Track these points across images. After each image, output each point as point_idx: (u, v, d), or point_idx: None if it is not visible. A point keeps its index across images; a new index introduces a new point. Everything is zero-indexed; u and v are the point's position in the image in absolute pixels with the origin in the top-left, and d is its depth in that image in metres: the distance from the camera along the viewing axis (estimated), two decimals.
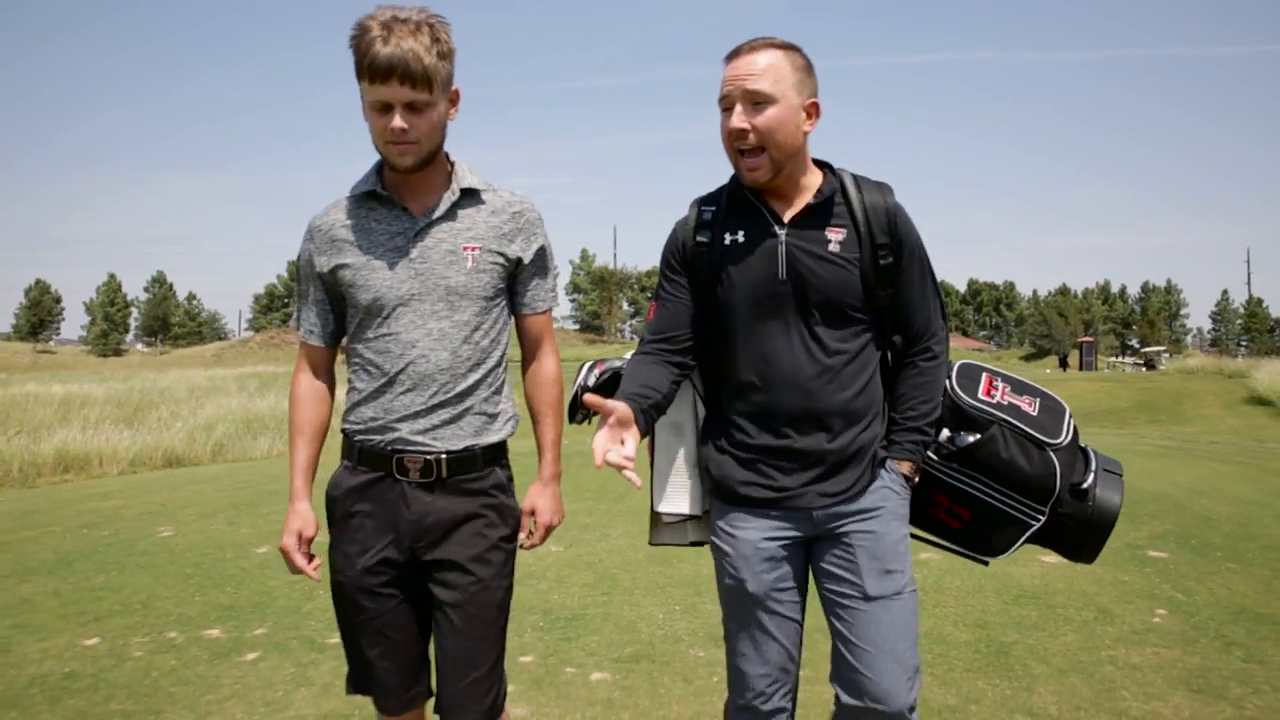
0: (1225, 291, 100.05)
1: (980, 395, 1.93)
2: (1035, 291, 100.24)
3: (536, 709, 3.22)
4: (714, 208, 1.91)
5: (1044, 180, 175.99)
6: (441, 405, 1.82)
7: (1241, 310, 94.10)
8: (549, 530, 1.98)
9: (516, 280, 1.95)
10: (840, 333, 1.84)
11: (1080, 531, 1.91)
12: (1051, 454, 1.87)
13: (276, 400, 18.91)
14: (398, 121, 1.73)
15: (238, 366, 42.00)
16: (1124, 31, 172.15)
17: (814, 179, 1.88)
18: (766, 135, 1.76)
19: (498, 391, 1.91)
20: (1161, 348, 55.76)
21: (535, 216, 1.95)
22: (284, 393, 21.57)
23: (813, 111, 1.83)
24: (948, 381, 1.95)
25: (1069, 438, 1.91)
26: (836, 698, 1.85)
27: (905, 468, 1.90)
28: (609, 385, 2.06)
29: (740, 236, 1.86)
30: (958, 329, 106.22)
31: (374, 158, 1.88)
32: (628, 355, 2.06)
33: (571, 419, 2.09)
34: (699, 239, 1.89)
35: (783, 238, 1.83)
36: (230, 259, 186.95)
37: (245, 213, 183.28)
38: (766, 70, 1.76)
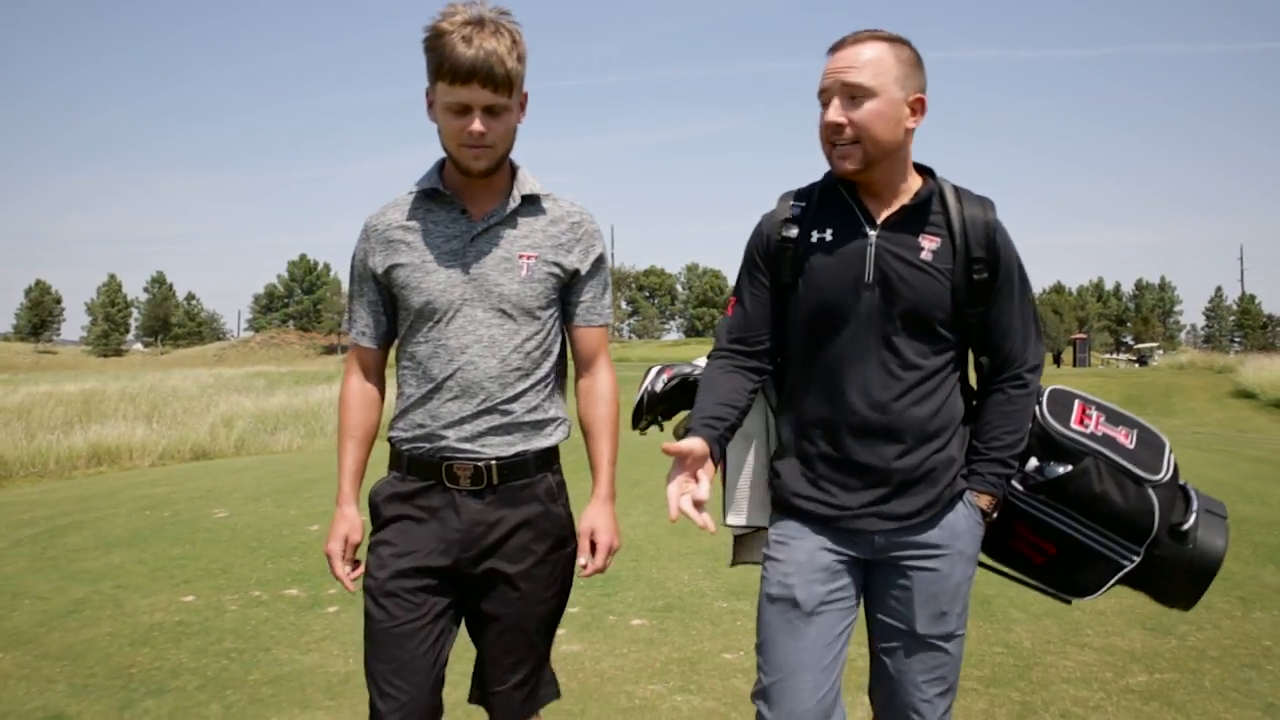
0: (1219, 288, 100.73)
1: (1073, 424, 1.80)
2: None
3: (588, 646, 3.79)
4: (804, 203, 1.81)
5: (1039, 178, 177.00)
6: (488, 412, 1.79)
7: (1234, 307, 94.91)
8: (610, 553, 1.89)
9: (572, 292, 1.90)
10: (921, 346, 1.74)
11: (1179, 576, 1.79)
12: (1150, 490, 1.75)
13: (288, 398, 19.54)
14: (477, 125, 1.70)
15: (240, 366, 42.60)
16: (1120, 29, 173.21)
17: (913, 183, 1.78)
18: (863, 130, 1.68)
19: (548, 399, 1.86)
20: (1154, 344, 56.64)
21: (595, 228, 1.91)
22: (292, 392, 22.30)
23: (917, 108, 1.73)
24: (1037, 408, 1.84)
25: (1169, 474, 1.78)
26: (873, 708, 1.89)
27: (984, 501, 1.78)
28: (676, 392, 2.03)
29: (828, 234, 1.76)
30: None
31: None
32: (699, 361, 2.02)
33: (634, 425, 2.03)
34: (785, 234, 1.78)
35: (873, 239, 1.73)
36: (227, 259, 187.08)
37: (242, 212, 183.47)
38: (868, 63, 1.67)
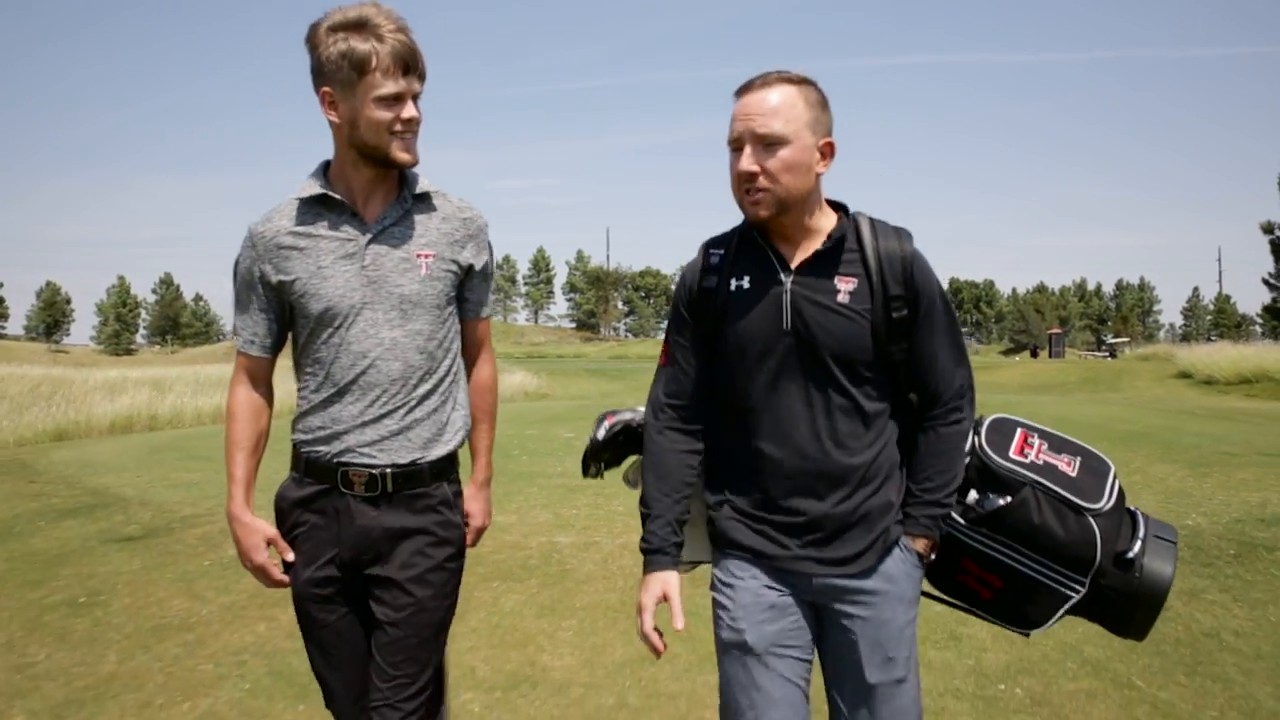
0: (1196, 289, 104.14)
1: (1011, 454, 1.79)
2: (1014, 289, 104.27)
3: None
4: (722, 251, 1.82)
5: (1027, 180, 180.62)
6: (389, 415, 1.80)
7: (1211, 307, 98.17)
8: (480, 533, 2.02)
9: (465, 288, 1.95)
10: (848, 389, 1.72)
11: (1127, 605, 1.76)
12: (1090, 520, 1.73)
13: None
14: (410, 110, 1.75)
15: None
16: (1108, 34, 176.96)
17: (826, 223, 1.76)
18: (776, 178, 1.67)
19: (448, 400, 1.89)
20: (1125, 339, 59.82)
21: (484, 224, 1.95)
22: None
23: (827, 152, 1.72)
24: (976, 438, 1.82)
25: (1111, 501, 1.76)
26: None
27: (920, 545, 1.76)
28: (620, 438, 2.05)
29: (746, 282, 1.76)
30: None
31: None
32: (641, 410, 2.02)
33: (585, 473, 2.10)
34: (704, 285, 1.79)
35: (788, 285, 1.72)
36: (228, 261, 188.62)
37: (241, 215, 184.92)
38: (779, 109, 1.66)
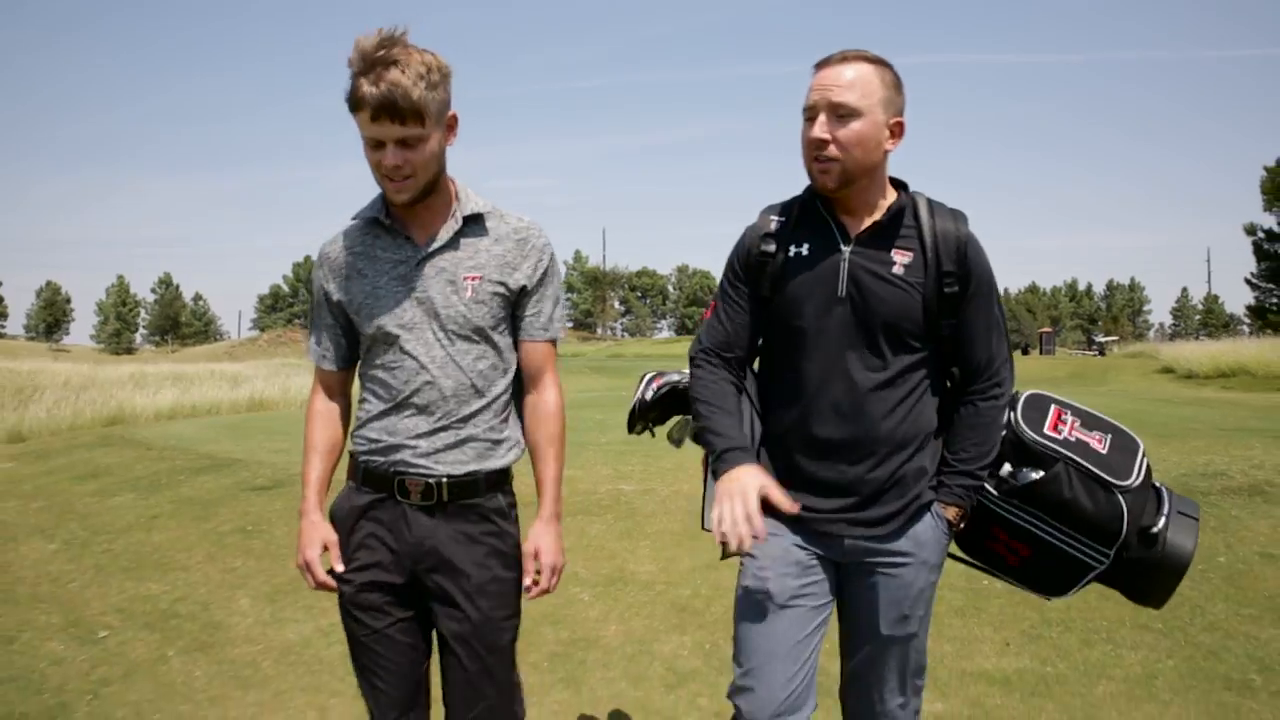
0: (1185, 289, 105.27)
1: (1046, 430, 1.85)
2: (1006, 289, 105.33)
3: None
4: (784, 218, 1.87)
5: (1020, 181, 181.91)
6: (444, 429, 1.84)
7: (1200, 307, 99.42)
8: (555, 571, 1.91)
9: (519, 307, 1.92)
10: (894, 358, 1.79)
11: (1148, 577, 1.85)
12: (1119, 496, 1.80)
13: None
14: (390, 158, 1.73)
15: (254, 360, 45.79)
16: (1100, 35, 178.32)
17: (888, 199, 1.83)
18: (845, 149, 1.73)
19: (503, 419, 1.91)
20: (1114, 338, 61.07)
21: (542, 243, 1.92)
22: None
23: (897, 130, 1.78)
24: (1012, 414, 1.89)
25: (1140, 478, 1.84)
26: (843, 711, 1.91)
27: (951, 513, 1.84)
28: (667, 399, 2.12)
29: (805, 249, 1.82)
30: None
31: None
32: (686, 372, 2.05)
33: (630, 429, 2.15)
34: (763, 248, 1.85)
35: (846, 254, 1.78)
36: (224, 261, 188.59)
37: (237, 215, 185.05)
38: (854, 83, 1.72)
